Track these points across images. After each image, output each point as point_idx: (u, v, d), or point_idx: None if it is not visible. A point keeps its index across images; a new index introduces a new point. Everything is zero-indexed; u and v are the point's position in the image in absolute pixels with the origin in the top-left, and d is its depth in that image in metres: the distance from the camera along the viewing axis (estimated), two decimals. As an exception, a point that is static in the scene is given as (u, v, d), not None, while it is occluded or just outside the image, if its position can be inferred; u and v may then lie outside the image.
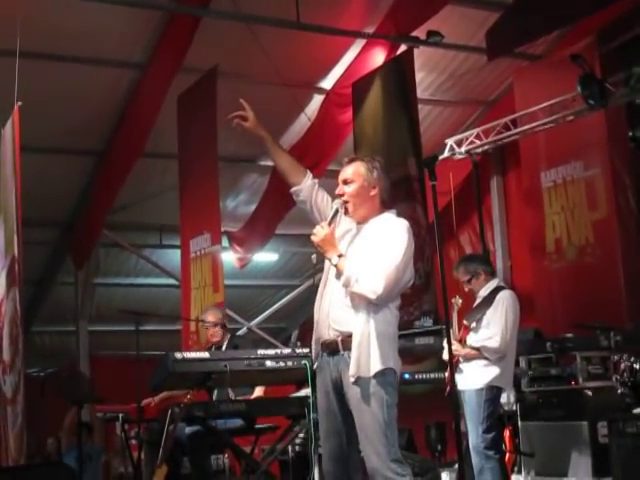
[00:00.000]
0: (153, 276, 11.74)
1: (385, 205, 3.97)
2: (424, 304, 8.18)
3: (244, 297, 12.26)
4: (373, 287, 3.69)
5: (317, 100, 9.60)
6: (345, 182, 3.93)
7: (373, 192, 3.91)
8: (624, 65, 7.41)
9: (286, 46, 8.42)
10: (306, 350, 5.31)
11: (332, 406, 3.84)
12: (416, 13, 8.20)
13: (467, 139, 9.12)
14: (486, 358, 5.61)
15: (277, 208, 9.82)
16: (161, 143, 9.48)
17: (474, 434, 5.55)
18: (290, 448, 6.88)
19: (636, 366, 5.86)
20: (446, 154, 9.14)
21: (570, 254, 8.60)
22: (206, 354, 5.76)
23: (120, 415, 7.09)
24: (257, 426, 6.58)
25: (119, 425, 7.18)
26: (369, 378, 3.70)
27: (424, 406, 7.73)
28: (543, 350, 6.93)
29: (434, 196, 4.54)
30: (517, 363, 6.59)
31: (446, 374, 5.78)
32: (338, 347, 3.79)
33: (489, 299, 5.78)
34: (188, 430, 6.08)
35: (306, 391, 5.33)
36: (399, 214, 3.96)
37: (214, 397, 6.44)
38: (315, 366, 3.94)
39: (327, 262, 3.87)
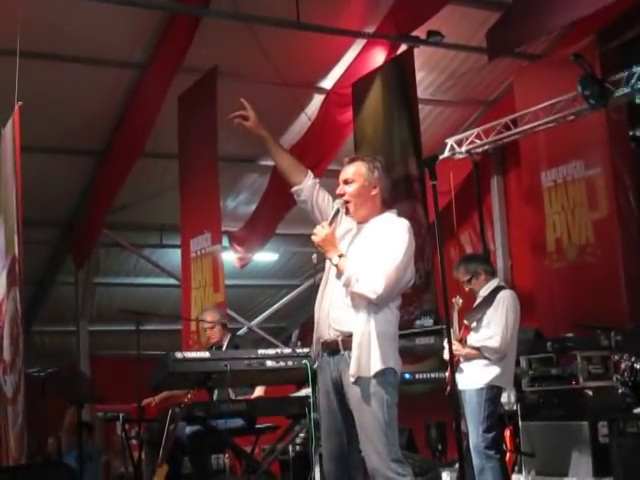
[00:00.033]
0: (153, 276, 11.73)
1: (386, 205, 3.97)
2: (424, 304, 8.18)
3: (244, 297, 12.26)
4: (373, 287, 3.69)
5: (317, 100, 9.60)
6: (346, 182, 3.93)
7: (374, 192, 3.91)
8: (624, 64, 7.41)
9: (286, 46, 8.42)
10: (306, 350, 5.31)
11: (332, 406, 3.84)
12: (416, 13, 8.19)
13: (467, 139, 9.11)
14: (486, 358, 5.61)
15: (277, 208, 9.82)
16: (161, 143, 9.48)
17: (475, 434, 5.55)
18: (291, 448, 6.89)
19: (637, 366, 5.86)
20: (446, 154, 9.13)
21: (570, 254, 8.60)
22: (206, 354, 5.77)
23: (121, 415, 7.10)
24: (257, 426, 6.58)
25: (120, 425, 7.19)
26: (369, 378, 3.70)
27: (424, 406, 7.73)
28: (544, 350, 6.94)
29: (434, 196, 4.55)
30: (518, 363, 6.60)
31: (446, 374, 5.78)
32: (338, 347, 3.79)
33: (489, 299, 5.78)
34: (189, 430, 6.08)
35: (306, 391, 5.34)
36: (399, 214, 3.96)
37: (214, 397, 6.44)
38: (315, 366, 3.94)
39: (328, 262, 3.87)
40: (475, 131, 9.11)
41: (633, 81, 7.14)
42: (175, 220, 9.53)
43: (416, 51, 8.43)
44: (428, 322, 8.11)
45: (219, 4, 7.90)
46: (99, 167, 10.05)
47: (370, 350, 3.70)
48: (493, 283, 5.90)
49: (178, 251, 9.65)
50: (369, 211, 3.91)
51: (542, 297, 8.83)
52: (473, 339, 5.69)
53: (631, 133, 7.80)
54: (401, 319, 3.92)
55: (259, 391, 6.58)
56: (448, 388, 5.42)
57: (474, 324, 5.72)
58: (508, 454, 6.70)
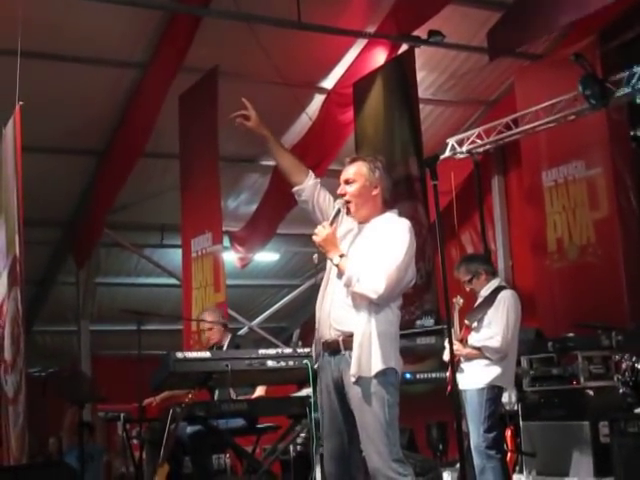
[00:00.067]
0: (154, 276, 11.73)
1: (387, 205, 3.97)
2: (425, 304, 8.17)
3: (245, 297, 12.26)
4: (374, 287, 3.69)
5: (318, 100, 9.60)
6: (347, 182, 3.93)
7: (375, 192, 3.91)
8: (625, 64, 7.41)
9: (287, 46, 8.42)
10: (307, 350, 5.31)
11: (333, 406, 3.84)
12: (417, 13, 8.19)
13: (468, 139, 9.11)
14: (487, 358, 5.61)
15: (278, 208, 9.82)
16: (162, 143, 9.48)
17: (475, 434, 5.55)
18: (291, 448, 6.88)
19: (638, 366, 5.86)
20: (447, 154, 9.13)
21: (571, 254, 8.60)
22: (207, 354, 5.76)
23: (121, 415, 7.11)
24: (258, 426, 6.59)
25: (120, 425, 7.20)
26: (370, 378, 3.70)
27: (425, 406, 7.72)
28: (544, 350, 6.94)
29: (435, 196, 4.55)
30: (519, 363, 6.60)
31: (447, 374, 5.78)
32: (339, 347, 3.79)
33: (490, 299, 5.78)
34: (189, 430, 6.08)
35: (307, 391, 5.34)
36: (400, 214, 3.96)
37: (215, 397, 6.44)
38: (316, 366, 3.94)
39: (329, 262, 3.87)
40: (476, 131, 9.11)
41: (634, 81, 7.14)
42: (176, 220, 9.53)
43: (417, 51, 8.43)
44: (429, 322, 8.10)
45: (220, 4, 7.89)
46: (100, 167, 10.05)
47: (371, 350, 3.70)
48: (494, 283, 5.90)
49: (179, 251, 9.65)
50: (370, 211, 3.91)
51: (543, 297, 8.83)
52: (474, 339, 5.69)
53: (632, 133, 7.81)
54: (402, 319, 3.92)
55: (260, 391, 6.58)
56: (449, 388, 5.43)
57: (475, 324, 5.72)
58: (509, 454, 6.70)
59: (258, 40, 8.07)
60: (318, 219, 3.98)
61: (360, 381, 3.70)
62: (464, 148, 9.10)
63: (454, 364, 5.15)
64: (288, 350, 5.93)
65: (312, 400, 4.61)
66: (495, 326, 5.65)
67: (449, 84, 9.85)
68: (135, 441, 7.22)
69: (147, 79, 8.83)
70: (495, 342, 5.60)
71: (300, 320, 13.25)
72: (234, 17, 7.99)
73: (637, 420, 5.64)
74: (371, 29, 8.68)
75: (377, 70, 8.80)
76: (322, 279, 3.97)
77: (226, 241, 9.99)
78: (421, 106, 8.89)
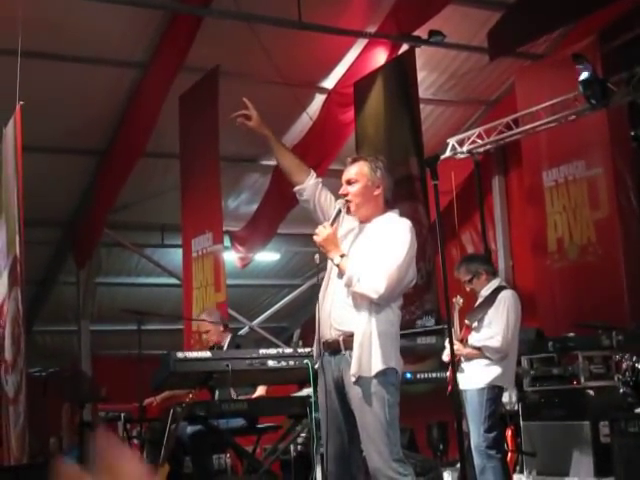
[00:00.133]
0: (155, 275, 11.73)
1: (388, 205, 3.98)
2: (426, 303, 8.17)
3: (246, 296, 12.26)
4: (375, 287, 3.69)
5: (319, 100, 9.60)
6: (349, 182, 3.93)
7: (377, 192, 3.91)
8: (626, 64, 7.41)
9: (288, 46, 8.42)
10: (308, 349, 5.31)
11: (334, 405, 3.84)
12: (418, 13, 8.19)
13: (469, 139, 9.11)
14: (488, 358, 5.61)
15: (279, 208, 9.83)
16: (163, 143, 9.47)
17: (476, 434, 5.55)
18: (292, 447, 6.88)
19: (638, 366, 5.86)
20: (448, 154, 9.13)
21: (572, 254, 8.60)
22: (208, 354, 5.76)
23: (122, 414, 7.11)
24: (259, 425, 6.58)
25: (121, 425, 7.18)
26: (370, 378, 3.70)
27: (426, 406, 7.72)
28: (545, 350, 6.94)
29: (436, 196, 4.55)
30: (519, 363, 6.60)
31: (448, 374, 5.78)
32: (340, 347, 3.79)
33: (491, 299, 5.77)
34: (190, 429, 6.09)
35: (308, 390, 5.34)
36: (401, 214, 3.97)
37: (216, 397, 6.44)
38: (317, 366, 3.94)
39: (329, 262, 3.88)
40: (476, 131, 9.11)
41: (634, 81, 7.14)
42: (176, 220, 9.53)
43: (417, 51, 8.43)
44: (429, 322, 8.10)
45: (220, 4, 7.89)
46: (100, 167, 10.05)
47: (371, 350, 3.70)
48: (494, 283, 5.90)
49: (179, 251, 9.65)
50: (371, 211, 3.92)
51: (543, 297, 8.83)
52: (474, 339, 5.69)
53: (632, 133, 7.80)
54: (402, 319, 3.92)
55: (260, 391, 6.58)
56: (449, 388, 5.43)
57: (475, 324, 5.72)
58: (509, 454, 6.70)
59: (259, 40, 8.07)
60: (319, 219, 3.98)
61: (360, 381, 3.70)
62: (464, 148, 9.09)
63: (455, 364, 5.15)
64: (289, 350, 5.94)
65: (313, 400, 4.61)
66: (495, 326, 5.65)
67: (449, 84, 9.86)
68: (135, 441, 7.21)
69: (148, 79, 8.83)
70: (495, 342, 5.60)
71: (301, 320, 13.25)
72: (235, 17, 7.99)
73: (637, 420, 5.64)
74: (372, 29, 8.68)
75: (378, 70, 8.80)
76: (323, 279, 3.97)
77: (227, 241, 9.99)
78: (422, 106, 8.89)
